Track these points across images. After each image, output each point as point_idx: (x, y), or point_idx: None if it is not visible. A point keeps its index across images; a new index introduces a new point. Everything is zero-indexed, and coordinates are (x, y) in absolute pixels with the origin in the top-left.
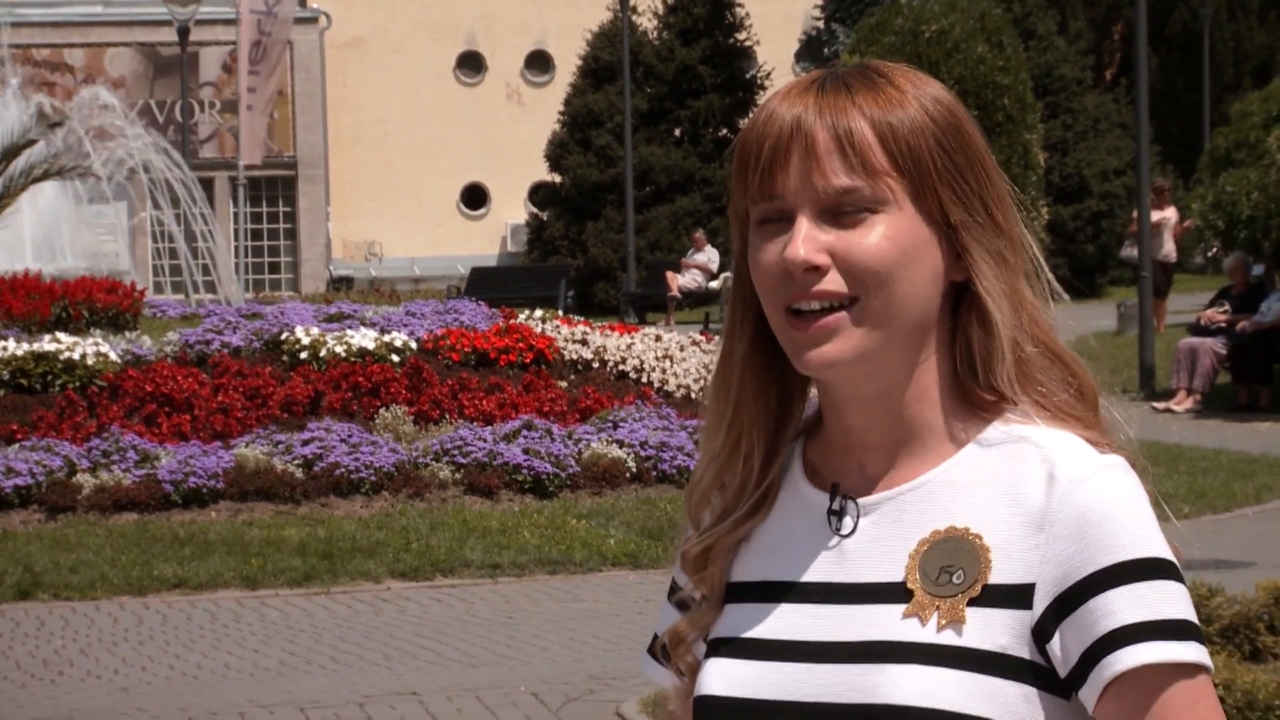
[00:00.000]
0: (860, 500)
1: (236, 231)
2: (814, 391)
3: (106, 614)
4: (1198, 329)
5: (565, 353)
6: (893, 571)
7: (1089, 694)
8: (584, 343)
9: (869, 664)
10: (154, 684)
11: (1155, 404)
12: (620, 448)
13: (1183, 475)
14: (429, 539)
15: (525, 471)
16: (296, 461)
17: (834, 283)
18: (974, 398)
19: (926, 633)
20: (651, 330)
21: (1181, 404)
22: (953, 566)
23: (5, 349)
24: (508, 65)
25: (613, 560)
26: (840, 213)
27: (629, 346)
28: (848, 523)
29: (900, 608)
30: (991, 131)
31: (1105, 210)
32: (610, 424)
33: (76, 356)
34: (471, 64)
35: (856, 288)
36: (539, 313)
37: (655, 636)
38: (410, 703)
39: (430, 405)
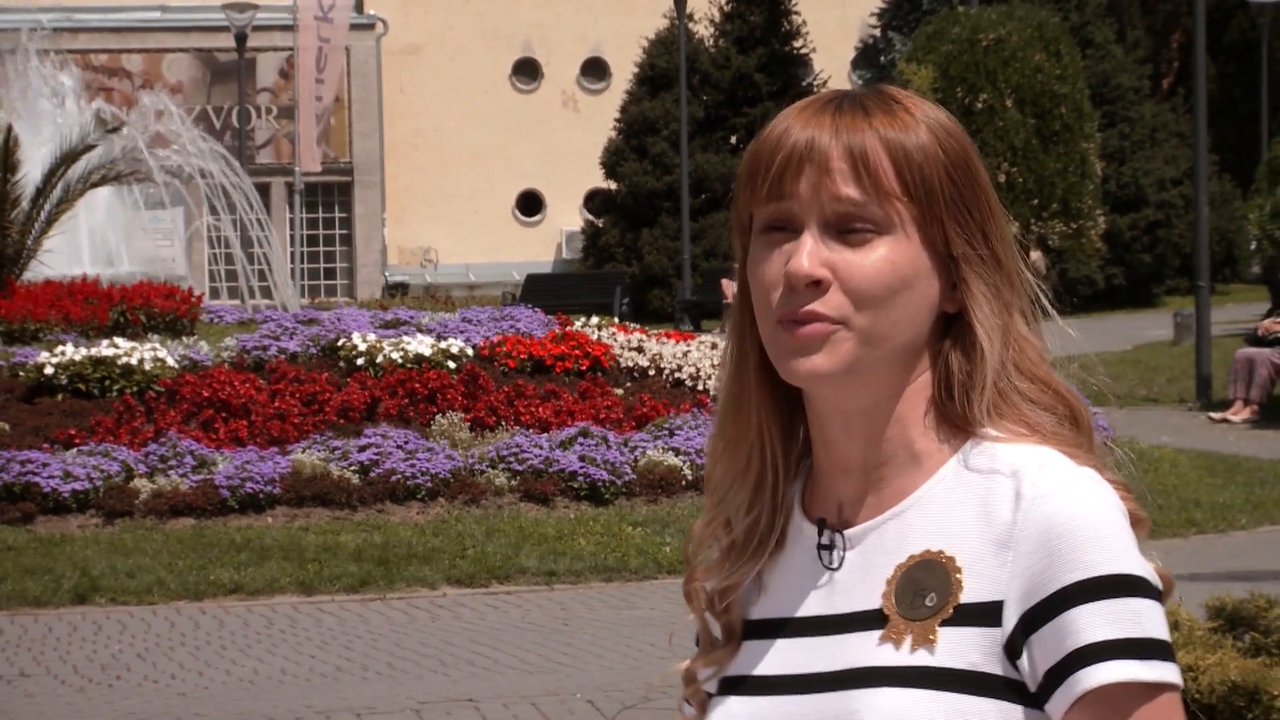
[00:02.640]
0: (847, 533)
1: (292, 237)
2: None
3: (163, 619)
4: (1255, 339)
5: (621, 360)
6: (871, 599)
7: (1055, 710)
8: (640, 350)
9: (846, 690)
10: (210, 689)
11: (1212, 414)
12: (676, 455)
13: (1240, 486)
14: (485, 546)
15: (581, 479)
16: (353, 467)
17: (830, 304)
18: (953, 419)
19: (900, 655)
20: (707, 338)
21: (1238, 414)
22: (925, 589)
23: (64, 354)
24: (564, 72)
25: (668, 568)
26: (846, 230)
27: (685, 354)
28: (836, 556)
29: (877, 634)
30: (1048, 140)
31: (1162, 220)
32: (666, 431)
33: (134, 361)
34: (528, 71)
35: (853, 306)
36: (595, 320)
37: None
38: (467, 710)
39: (486, 412)
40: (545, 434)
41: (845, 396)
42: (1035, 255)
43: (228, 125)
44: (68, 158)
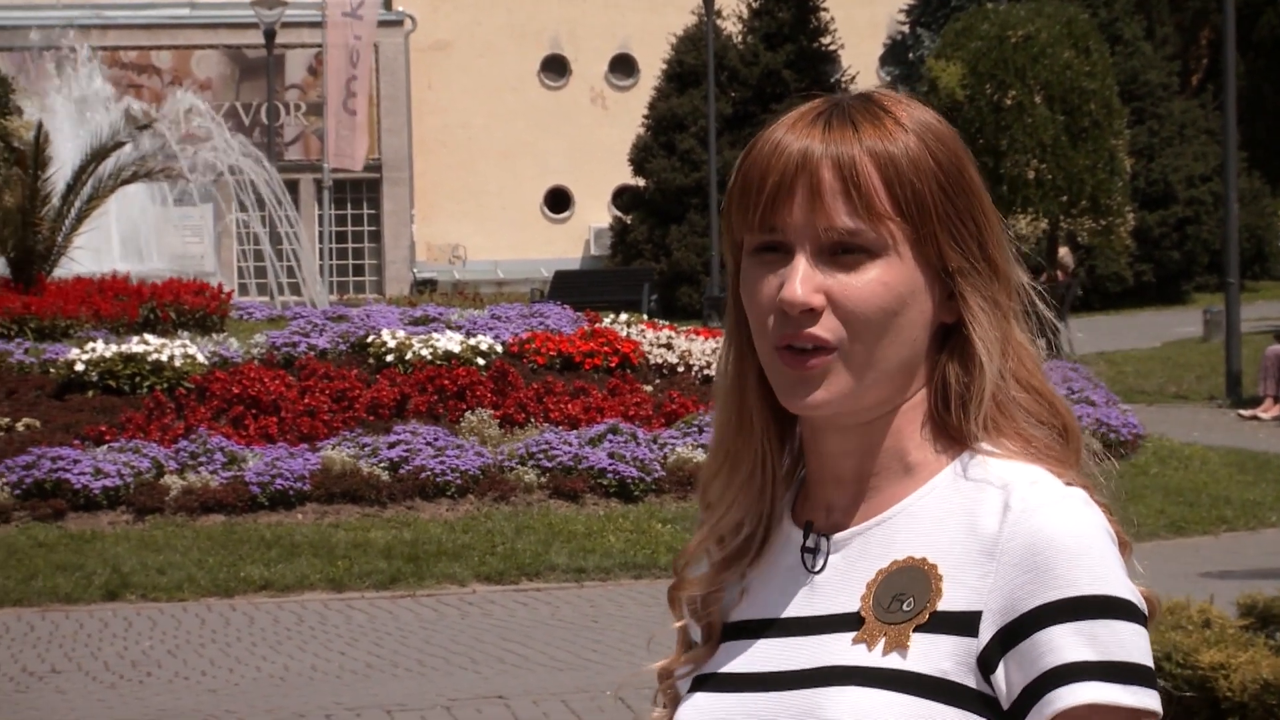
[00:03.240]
0: (833, 537)
1: (321, 234)
2: None
3: (194, 615)
4: None
5: (650, 357)
6: (850, 602)
7: None
8: (669, 347)
9: (816, 688)
10: (241, 685)
11: (1241, 411)
12: (705, 452)
13: (1270, 483)
14: (514, 542)
15: (610, 476)
16: (382, 464)
17: (826, 327)
18: (948, 430)
19: (871, 657)
20: None
21: (1268, 411)
22: (904, 595)
23: (94, 350)
24: (592, 69)
25: None
26: (839, 253)
27: (714, 350)
28: (819, 560)
29: (851, 635)
30: (1077, 137)
31: (1191, 216)
32: (695, 428)
33: (164, 358)
34: (556, 68)
35: (848, 331)
36: (624, 316)
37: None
38: (497, 706)
39: (516, 409)
40: (574, 431)
41: (844, 416)
42: (1063, 251)
43: (256, 122)
44: (98, 155)
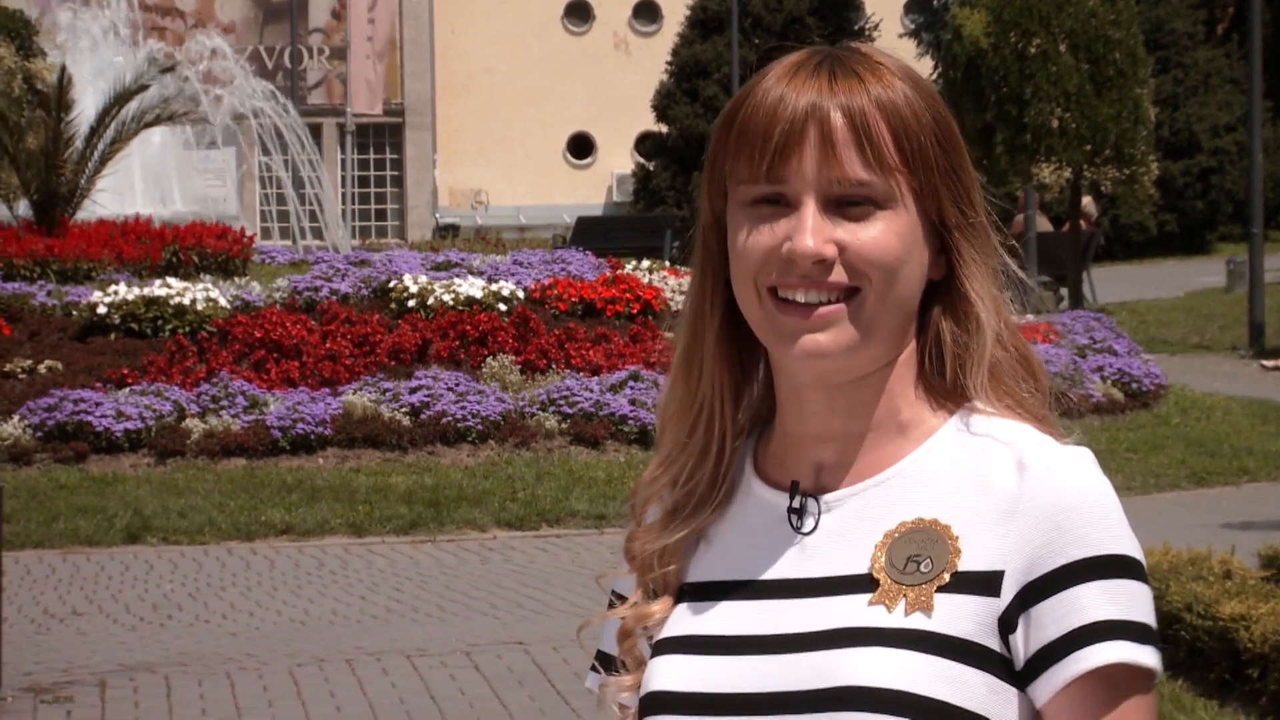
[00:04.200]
0: (823, 498)
1: (344, 178)
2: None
3: (215, 559)
4: None
5: (672, 303)
6: (858, 564)
7: (1044, 687)
8: None
9: (830, 649)
10: (262, 629)
11: (1265, 362)
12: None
13: None
14: (535, 489)
15: (631, 422)
16: (404, 409)
17: (840, 276)
18: (939, 391)
19: (893, 618)
20: None
21: None
22: (920, 556)
23: (116, 293)
24: (615, 15)
25: None
26: (846, 205)
27: None
28: (809, 521)
29: (865, 597)
30: (1102, 86)
31: (1215, 166)
32: None
33: (186, 302)
34: (579, 13)
35: (858, 280)
36: (646, 263)
37: (598, 651)
38: (516, 652)
39: (537, 355)
40: (595, 377)
41: (837, 372)
42: (1087, 201)
43: (279, 66)
44: (121, 98)
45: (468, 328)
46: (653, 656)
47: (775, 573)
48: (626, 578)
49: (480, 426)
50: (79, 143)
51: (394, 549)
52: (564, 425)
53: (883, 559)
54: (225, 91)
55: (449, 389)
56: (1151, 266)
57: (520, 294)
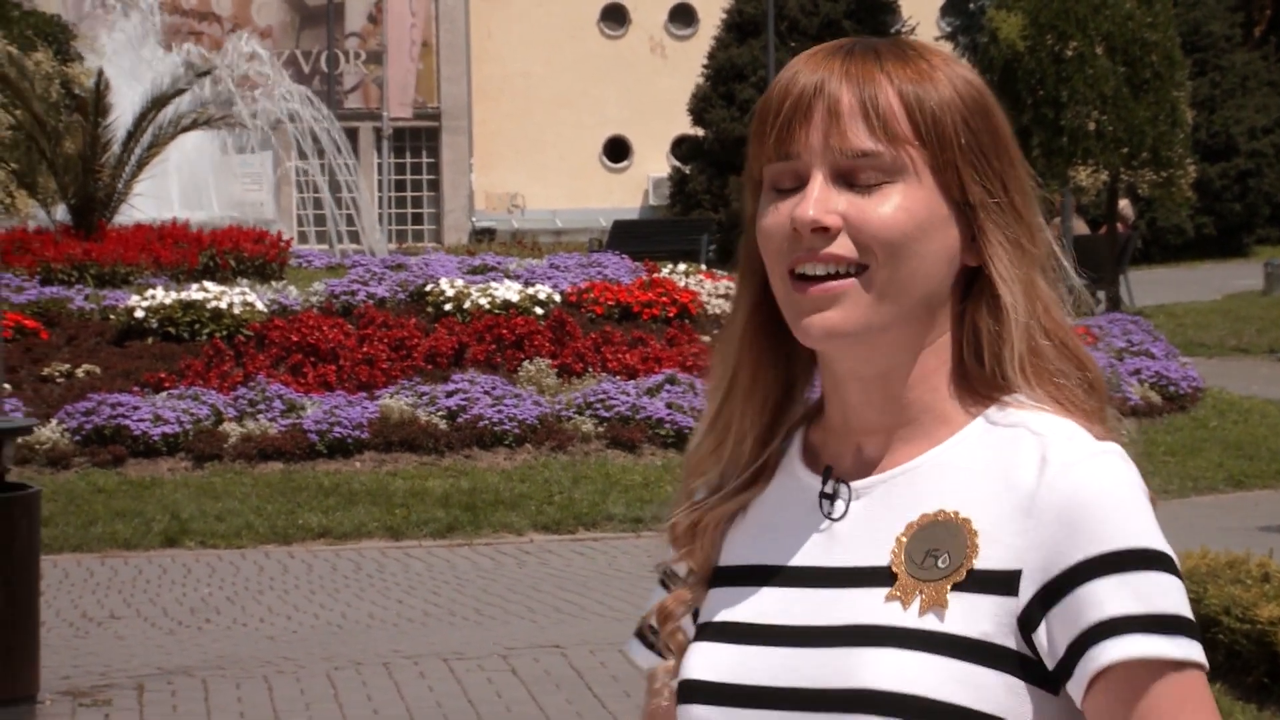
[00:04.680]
0: (853, 484)
1: (380, 182)
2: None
3: (252, 562)
4: None
5: (708, 307)
6: (879, 555)
7: (1076, 687)
8: (727, 297)
9: (848, 647)
10: (299, 633)
11: None
12: None
13: None
14: (571, 492)
15: (668, 426)
16: (440, 413)
17: (843, 247)
18: (978, 385)
19: (908, 617)
20: None
21: None
22: (938, 550)
23: (154, 297)
24: (651, 18)
25: None
26: (856, 178)
27: None
28: (839, 506)
29: (884, 591)
30: (1138, 88)
31: (1252, 169)
32: None
33: (224, 306)
34: (615, 16)
35: (866, 256)
36: (682, 266)
37: (642, 619)
38: (553, 656)
39: (573, 358)
40: (632, 381)
41: (861, 358)
42: (1124, 204)
43: (316, 70)
44: (158, 102)
45: (504, 331)
46: (693, 640)
47: (805, 559)
48: (680, 561)
49: (517, 430)
50: (116, 147)
51: (431, 552)
52: (600, 429)
53: (902, 552)
54: (262, 95)
55: (485, 392)
56: (1189, 269)
57: (556, 297)
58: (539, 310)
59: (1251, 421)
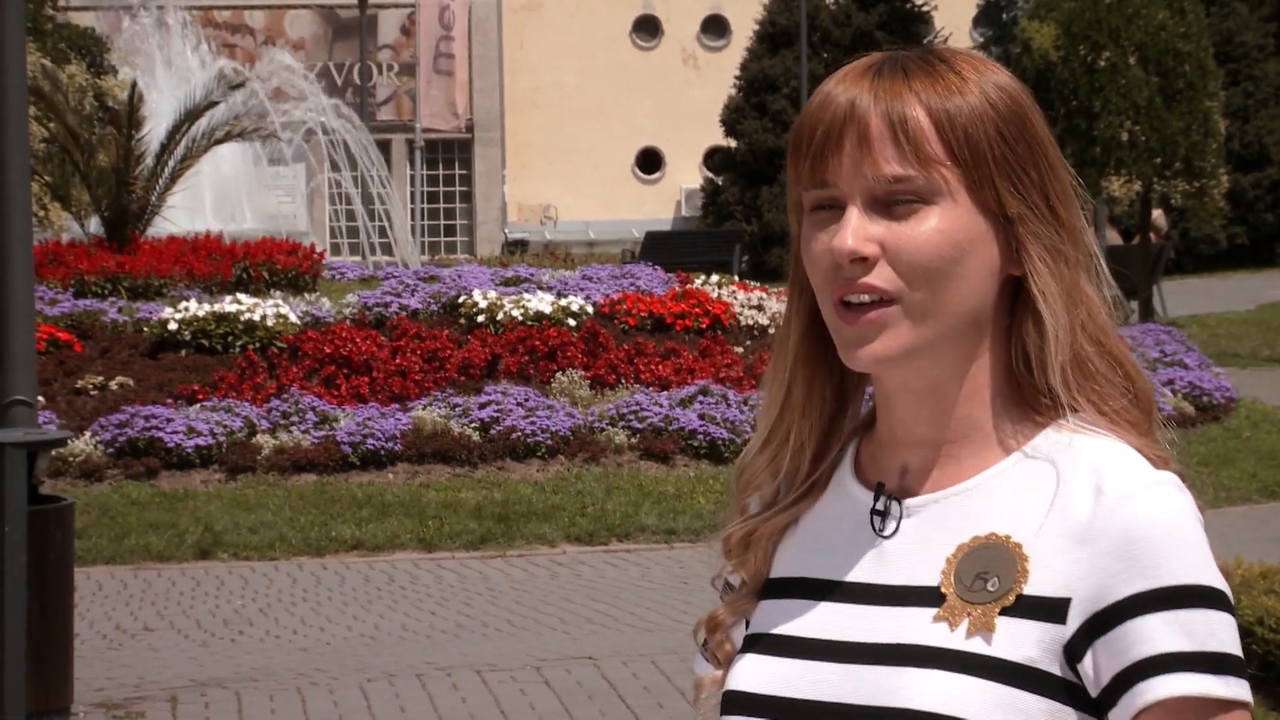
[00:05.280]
0: (905, 502)
1: (413, 194)
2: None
3: (285, 574)
4: None
5: (741, 318)
6: (929, 575)
7: (1120, 717)
8: (760, 308)
9: (893, 666)
10: (332, 644)
11: None
12: None
13: None
14: (604, 503)
15: (701, 437)
16: (473, 425)
17: (882, 276)
18: (1029, 399)
19: (954, 638)
20: None
21: None
22: (988, 573)
23: (187, 310)
24: (684, 29)
25: None
26: (892, 203)
27: None
28: (890, 524)
29: (931, 611)
30: (1171, 99)
31: None
32: None
33: (257, 318)
34: (648, 28)
35: (906, 281)
36: (715, 278)
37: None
38: (586, 667)
39: (606, 370)
40: (665, 392)
41: (910, 375)
42: (1157, 214)
43: (349, 82)
44: (191, 114)
45: (537, 343)
46: (740, 651)
47: (854, 575)
48: (734, 573)
49: (550, 441)
50: (149, 160)
51: (464, 564)
52: (633, 440)
53: (952, 573)
54: (295, 107)
55: (518, 404)
56: (1222, 279)
57: (589, 309)
58: (571, 322)
59: None
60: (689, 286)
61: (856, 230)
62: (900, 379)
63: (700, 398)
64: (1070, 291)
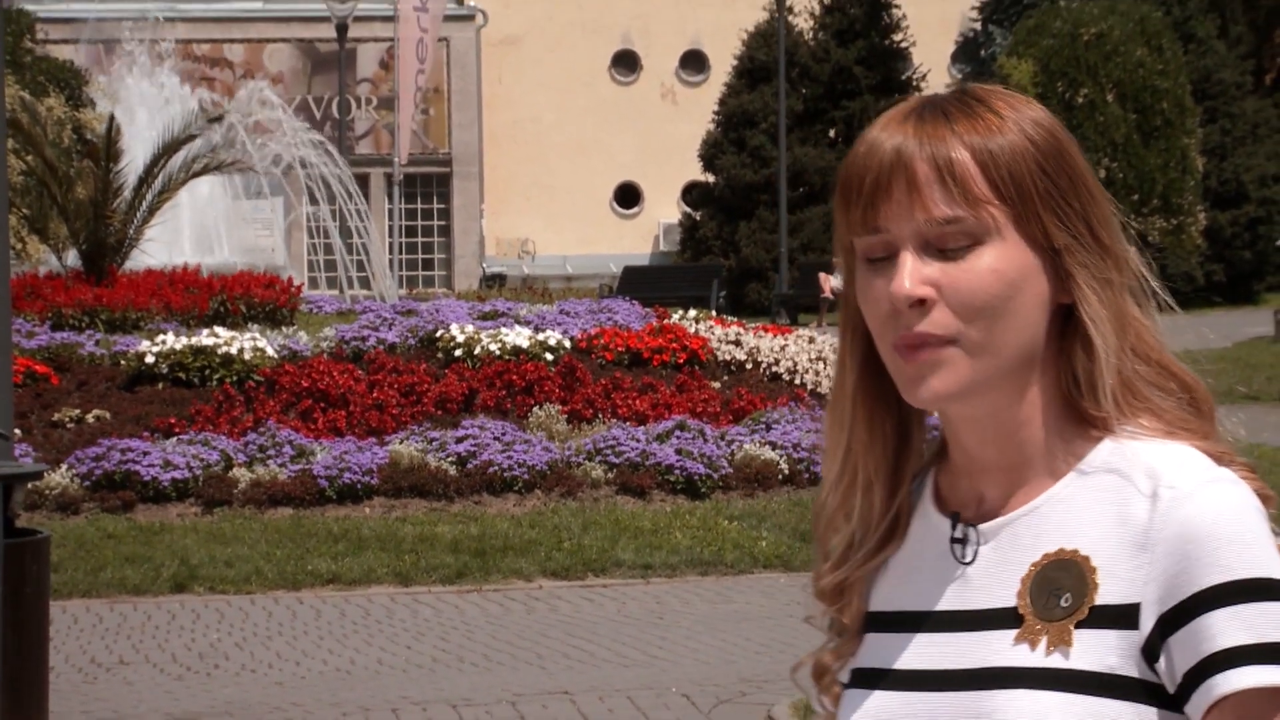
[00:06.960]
0: (981, 527)
1: (391, 228)
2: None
3: (261, 608)
4: None
5: (719, 353)
6: (1006, 597)
7: (1194, 714)
8: (737, 343)
9: (985, 690)
10: (308, 678)
11: None
12: (773, 449)
13: None
14: (581, 538)
15: (678, 472)
16: (450, 459)
17: (939, 323)
18: (1086, 416)
19: (1035, 657)
20: (804, 331)
21: None
22: (1060, 590)
23: (164, 343)
24: (663, 65)
25: (764, 562)
26: (944, 245)
27: (782, 348)
28: (969, 550)
29: (1012, 633)
30: (1149, 136)
31: (1263, 216)
32: (763, 425)
33: (234, 351)
34: (626, 63)
35: (963, 320)
36: (692, 313)
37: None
38: (562, 702)
39: (583, 404)
40: (642, 427)
41: (971, 406)
42: (1132, 252)
43: (328, 115)
44: (169, 147)
45: (514, 377)
46: (846, 688)
47: (943, 604)
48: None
49: (526, 476)
50: (127, 193)
51: (440, 598)
52: (610, 475)
53: (1026, 593)
54: (273, 141)
55: (495, 438)
56: (1198, 316)
57: (567, 343)
58: (549, 356)
59: (1262, 469)
60: (666, 322)
61: (912, 274)
62: (961, 411)
63: (677, 433)
64: (1119, 315)
